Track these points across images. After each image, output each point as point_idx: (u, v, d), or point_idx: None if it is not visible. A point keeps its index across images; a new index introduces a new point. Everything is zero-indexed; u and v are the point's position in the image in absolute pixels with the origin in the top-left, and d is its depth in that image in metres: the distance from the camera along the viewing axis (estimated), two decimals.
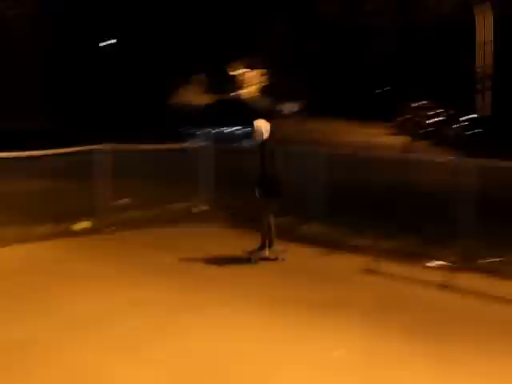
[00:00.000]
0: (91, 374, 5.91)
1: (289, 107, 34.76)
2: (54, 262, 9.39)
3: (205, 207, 12.87)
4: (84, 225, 11.25)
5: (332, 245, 10.30)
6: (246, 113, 24.08)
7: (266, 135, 9.42)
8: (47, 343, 6.53)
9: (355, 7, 32.40)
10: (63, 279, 8.64)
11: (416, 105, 31.26)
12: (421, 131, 28.58)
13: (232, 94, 39.07)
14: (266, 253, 9.49)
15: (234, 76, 42.08)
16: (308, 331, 6.95)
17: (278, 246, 9.66)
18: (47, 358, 6.20)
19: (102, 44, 35.02)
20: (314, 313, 7.45)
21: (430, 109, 30.52)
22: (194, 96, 35.03)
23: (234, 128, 22.96)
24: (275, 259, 9.53)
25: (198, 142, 19.37)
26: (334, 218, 11.02)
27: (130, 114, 27.99)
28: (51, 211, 11.39)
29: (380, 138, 27.84)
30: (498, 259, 9.23)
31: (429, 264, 9.40)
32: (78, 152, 12.28)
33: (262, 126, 9.48)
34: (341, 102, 33.17)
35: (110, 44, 35.86)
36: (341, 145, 21.59)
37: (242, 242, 10.55)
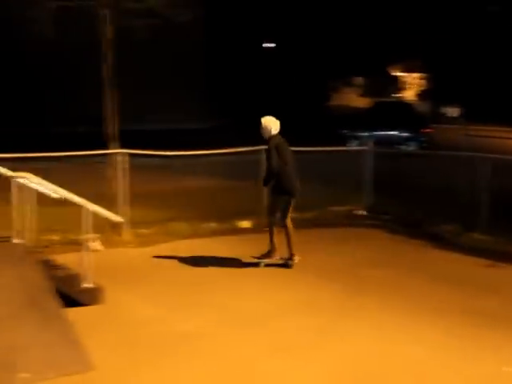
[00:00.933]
0: (252, 370, 6.06)
1: (451, 111, 33.68)
2: (217, 257, 9.72)
3: (364, 211, 12.78)
4: (245, 224, 11.55)
5: (498, 255, 9.86)
6: (407, 116, 23.63)
7: (274, 132, 9.18)
8: (213, 337, 6.79)
9: None
10: (227, 275, 8.94)
11: None
12: None
13: (392, 97, 38.50)
14: (277, 257, 9.29)
15: (393, 78, 41.43)
16: (477, 342, 6.70)
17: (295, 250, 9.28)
18: (212, 350, 6.44)
19: (264, 45, 35.75)
20: (480, 324, 7.17)
21: None
22: (353, 98, 34.91)
23: (395, 131, 22.61)
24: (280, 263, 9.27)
25: (358, 144, 19.31)
26: (502, 227, 10.54)
27: (289, 116, 28.38)
28: (217, 208, 11.82)
29: None
30: None
31: None
32: (243, 152, 12.68)
33: (271, 123, 9.22)
34: (502, 107, 31.70)
35: (271, 46, 36.51)
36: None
37: (402, 247, 10.42)
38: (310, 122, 27.34)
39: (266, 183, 9.44)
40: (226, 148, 12.58)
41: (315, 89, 32.63)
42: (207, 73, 32.14)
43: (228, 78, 32.33)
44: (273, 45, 36.98)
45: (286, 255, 9.35)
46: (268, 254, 9.35)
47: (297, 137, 15.40)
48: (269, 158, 9.13)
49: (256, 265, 9.35)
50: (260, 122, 9.28)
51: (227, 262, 9.46)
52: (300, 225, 11.69)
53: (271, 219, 9.31)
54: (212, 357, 6.29)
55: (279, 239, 9.34)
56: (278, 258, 9.34)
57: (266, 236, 11.22)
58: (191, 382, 5.81)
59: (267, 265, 9.29)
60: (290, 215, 9.37)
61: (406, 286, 8.60)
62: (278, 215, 9.27)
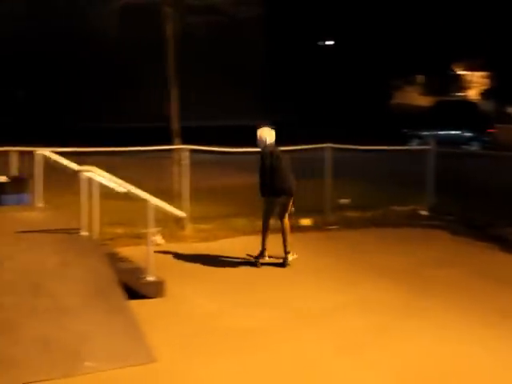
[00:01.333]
0: (315, 368, 6.02)
1: None
2: (277, 254, 9.69)
3: (426, 211, 12.58)
4: (307, 221, 11.51)
5: None
6: (470, 115, 23.18)
7: (269, 143, 9.32)
8: (276, 333, 6.78)
9: None
10: (286, 272, 8.93)
11: None
12: None
13: (454, 96, 37.80)
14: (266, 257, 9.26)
15: (456, 77, 40.66)
16: None
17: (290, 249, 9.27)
18: (275, 347, 6.43)
19: (321, 43, 35.57)
20: None
21: None
22: (415, 97, 34.43)
23: (457, 131, 22.21)
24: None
25: (420, 144, 19.05)
26: None
27: (350, 114, 28.22)
28: None
29: None
30: None
31: None
32: (302, 150, 12.64)
33: (266, 134, 9.35)
34: None
35: (330, 43, 36.31)
36: None
37: (466, 249, 10.23)
38: (371, 121, 27.08)
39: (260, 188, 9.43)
40: (286, 145, 12.55)
41: (376, 87, 32.29)
42: (267, 70, 32.20)
43: (288, 75, 32.28)
44: (332, 42, 36.77)
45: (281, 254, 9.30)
46: (261, 254, 9.31)
47: (358, 135, 15.38)
48: (261, 164, 9.32)
49: (321, 263, 9.28)
50: (273, 130, 9.49)
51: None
52: (361, 224, 11.69)
53: (264, 221, 9.40)
54: (275, 354, 6.27)
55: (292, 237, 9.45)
56: (266, 257, 9.32)
57: (327, 234, 11.22)
58: (254, 378, 5.80)
59: (264, 264, 9.23)
60: (287, 214, 9.44)
61: (471, 287, 8.42)
62: (277, 214, 9.43)
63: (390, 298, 7.89)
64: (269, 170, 9.25)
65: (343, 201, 12.61)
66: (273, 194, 9.32)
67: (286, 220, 9.41)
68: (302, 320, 7.18)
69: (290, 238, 9.36)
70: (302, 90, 31.74)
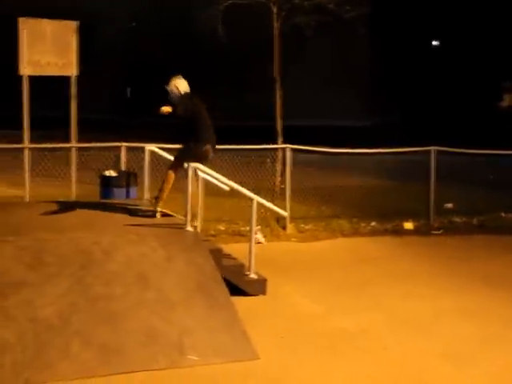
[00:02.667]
0: (415, 374, 5.90)
1: None
2: (380, 257, 9.57)
3: None
4: (410, 225, 11.29)
5: None
6: None
7: (184, 92, 8.13)
8: (377, 338, 6.68)
9: None
10: (388, 275, 8.76)
11: None
12: None
13: None
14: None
15: None
16: None
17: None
18: (376, 351, 6.34)
19: (431, 42, 34.79)
20: None
21: None
22: None
23: None
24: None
25: None
26: None
27: (458, 116, 27.46)
28: (379, 208, 11.66)
29: None
30: None
31: None
32: (407, 152, 12.42)
33: (177, 83, 8.17)
34: None
35: (437, 44, 35.48)
36: None
37: None
38: (479, 123, 26.24)
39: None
40: (389, 147, 12.38)
41: (485, 89, 31.23)
42: (371, 71, 31.80)
43: (393, 76, 31.77)
44: (438, 43, 35.90)
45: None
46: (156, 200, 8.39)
47: (466, 138, 14.92)
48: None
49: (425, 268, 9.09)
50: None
51: (390, 264, 9.27)
52: (467, 230, 11.33)
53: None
54: (377, 358, 6.18)
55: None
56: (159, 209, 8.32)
57: (431, 239, 10.94)
58: (352, 380, 5.73)
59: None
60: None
61: None
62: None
63: (498, 309, 7.61)
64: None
65: (448, 205, 12.27)
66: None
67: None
68: (405, 325, 7.03)
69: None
70: (406, 91, 31.15)
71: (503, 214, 12.20)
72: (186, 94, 8.18)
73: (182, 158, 8.17)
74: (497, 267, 9.27)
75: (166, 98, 8.21)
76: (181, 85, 8.21)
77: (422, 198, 11.83)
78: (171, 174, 8.19)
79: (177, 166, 8.24)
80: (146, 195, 9.51)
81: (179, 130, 8.28)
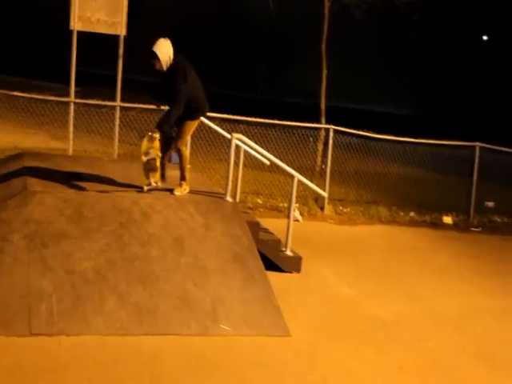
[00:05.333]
0: (443, 369, 5.80)
1: None
2: (416, 249, 9.43)
3: None
4: (448, 219, 11.11)
5: None
6: None
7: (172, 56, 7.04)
8: (409, 328, 6.60)
9: None
10: (425, 267, 8.64)
11: None
12: None
13: None
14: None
15: None
16: None
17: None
18: (407, 341, 6.27)
19: (483, 36, 34.09)
20: None
21: None
22: None
23: None
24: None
25: None
26: None
27: (504, 113, 26.95)
28: (419, 199, 11.49)
29: None
30: None
31: None
32: (450, 145, 12.21)
33: (171, 53, 7.04)
34: None
35: (487, 38, 34.78)
36: None
37: None
38: None
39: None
40: (432, 138, 12.16)
41: None
42: (419, 59, 31.34)
43: (440, 67, 31.25)
44: (490, 37, 35.21)
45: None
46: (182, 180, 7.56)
47: (510, 137, 14.60)
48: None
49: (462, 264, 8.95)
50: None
51: (427, 256, 9.14)
52: (506, 230, 11.17)
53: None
54: (407, 349, 6.10)
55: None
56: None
57: (469, 235, 10.74)
58: (384, 370, 5.64)
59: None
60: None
61: None
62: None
63: None
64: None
65: (489, 203, 12.06)
66: None
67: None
68: (439, 320, 6.94)
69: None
70: (454, 83, 30.62)
71: None
72: (174, 57, 7.06)
73: (187, 130, 7.40)
74: None
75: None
76: (171, 52, 7.07)
77: (462, 194, 11.65)
78: (185, 152, 7.51)
79: (185, 140, 7.60)
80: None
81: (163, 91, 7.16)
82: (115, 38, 11.17)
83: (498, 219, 11.59)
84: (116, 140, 11.00)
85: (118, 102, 11.36)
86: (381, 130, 11.82)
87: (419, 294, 7.60)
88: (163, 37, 7.15)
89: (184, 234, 6.79)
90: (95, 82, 17.48)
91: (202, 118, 9.58)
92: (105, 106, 11.43)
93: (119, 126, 11.02)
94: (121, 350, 5.24)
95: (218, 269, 6.48)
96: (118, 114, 11.22)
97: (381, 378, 5.49)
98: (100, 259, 6.04)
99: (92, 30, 11.22)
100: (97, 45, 15.43)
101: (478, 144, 11.70)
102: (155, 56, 6.98)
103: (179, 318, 5.80)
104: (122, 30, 11.32)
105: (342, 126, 11.26)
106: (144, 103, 11.01)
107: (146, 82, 8.86)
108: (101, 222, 6.49)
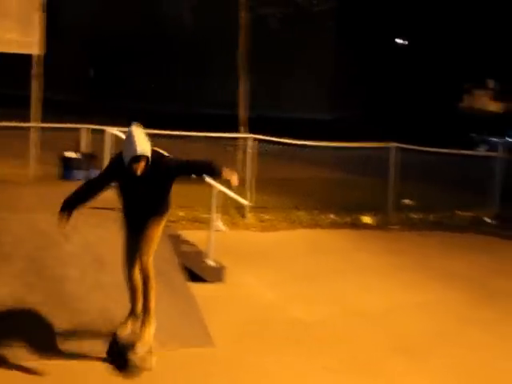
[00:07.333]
0: (364, 365, 5.99)
1: None
2: (338, 250, 9.65)
3: (490, 218, 12.28)
4: (368, 219, 11.41)
5: None
6: None
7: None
8: (332, 328, 6.76)
9: None
10: (347, 268, 8.83)
11: None
12: None
13: None
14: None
15: None
16: None
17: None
18: (330, 341, 6.42)
19: (397, 40, 35.06)
20: None
21: None
22: (485, 102, 33.68)
23: None
24: None
25: (488, 149, 18.62)
26: None
27: (417, 114, 27.82)
28: (339, 201, 11.75)
29: None
30: None
31: None
32: (366, 148, 12.56)
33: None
34: None
35: (402, 42, 35.83)
36: None
37: None
38: (439, 123, 26.65)
39: None
40: (350, 141, 12.49)
41: (447, 89, 31.66)
42: (336, 65, 32.01)
43: (357, 71, 31.99)
44: (404, 41, 36.29)
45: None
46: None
47: (425, 137, 15.13)
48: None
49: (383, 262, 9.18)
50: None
51: (348, 256, 9.35)
52: (424, 227, 11.50)
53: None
54: (330, 349, 6.24)
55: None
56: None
57: (389, 234, 11.04)
58: (307, 372, 5.78)
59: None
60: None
61: None
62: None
63: (451, 305, 7.74)
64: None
65: (406, 201, 12.44)
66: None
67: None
68: (360, 318, 7.11)
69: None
70: (370, 86, 31.41)
71: (459, 212, 12.40)
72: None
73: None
74: (452, 264, 9.41)
75: None
76: None
77: (380, 194, 11.97)
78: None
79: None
80: None
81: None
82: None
83: (415, 216, 11.96)
84: (33, 161, 10.85)
85: (34, 123, 11.22)
86: (302, 136, 12.05)
87: (342, 294, 7.78)
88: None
89: (104, 252, 6.77)
90: (11, 103, 17.15)
91: (116, 132, 9.60)
92: (20, 128, 11.27)
93: (36, 146, 10.88)
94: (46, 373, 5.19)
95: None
96: (34, 134, 11.09)
97: (304, 379, 5.62)
98: (16, 284, 5.95)
99: (4, 51, 11.05)
100: (10, 65, 15.17)
101: (393, 144, 12.05)
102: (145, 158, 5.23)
103: (103, 337, 5.78)
104: (36, 50, 11.18)
105: (265, 135, 11.43)
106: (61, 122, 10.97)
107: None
108: (17, 245, 6.40)
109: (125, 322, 5.62)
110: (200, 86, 29.41)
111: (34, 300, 5.87)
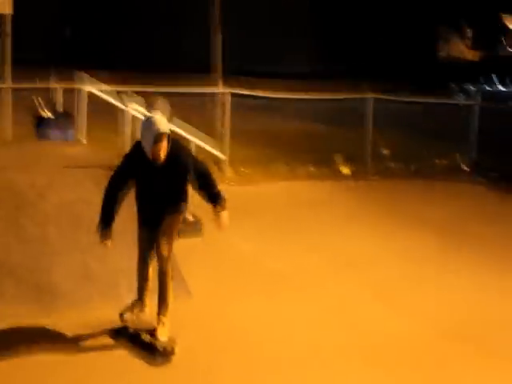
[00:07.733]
0: (345, 311, 6.16)
1: None
2: (318, 201, 9.73)
3: (467, 166, 12.42)
4: (346, 170, 11.49)
5: None
6: None
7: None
8: (312, 276, 6.89)
9: None
10: (325, 218, 8.93)
11: None
12: None
13: (505, 51, 36.69)
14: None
15: (508, 31, 39.39)
16: None
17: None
18: (310, 289, 6.56)
19: None
20: None
21: None
22: (463, 50, 33.62)
23: (505, 87, 21.70)
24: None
25: (465, 98, 18.67)
26: None
27: (394, 63, 27.71)
28: (317, 153, 11.80)
29: None
30: None
31: None
32: (345, 99, 12.56)
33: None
34: None
35: None
36: None
37: (508, 206, 10.14)
38: (416, 72, 26.60)
39: None
40: (327, 93, 12.49)
41: (423, 37, 31.48)
42: (313, 18, 31.67)
43: (334, 24, 31.68)
44: None
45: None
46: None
47: (403, 86, 15.14)
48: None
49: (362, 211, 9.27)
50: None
51: (327, 207, 9.44)
52: (402, 176, 11.61)
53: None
54: (310, 297, 6.38)
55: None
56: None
57: (367, 183, 11.14)
58: (286, 319, 5.91)
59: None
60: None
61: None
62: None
63: (429, 250, 7.91)
64: None
65: (384, 151, 12.53)
66: None
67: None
68: (340, 265, 7.25)
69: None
70: (347, 38, 31.15)
71: (437, 161, 12.52)
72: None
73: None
74: (430, 211, 9.55)
75: None
76: None
77: (359, 144, 12.03)
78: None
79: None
80: (82, 138, 9.40)
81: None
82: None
83: (394, 166, 12.05)
84: (9, 122, 10.76)
85: (8, 84, 11.08)
86: (280, 90, 12.02)
87: (319, 244, 7.89)
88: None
89: (82, 211, 6.79)
90: None
91: (98, 92, 9.52)
92: None
93: (9, 106, 10.77)
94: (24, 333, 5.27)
95: (118, 241, 6.47)
96: (9, 95, 10.97)
97: (278, 327, 5.75)
98: None
99: None
100: None
101: (370, 95, 12.08)
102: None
103: (82, 294, 5.86)
104: (5, 9, 10.98)
105: (240, 89, 11.39)
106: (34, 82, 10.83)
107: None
108: None
109: (131, 308, 5.58)
110: (174, 40, 29.04)
111: (13, 261, 5.91)
